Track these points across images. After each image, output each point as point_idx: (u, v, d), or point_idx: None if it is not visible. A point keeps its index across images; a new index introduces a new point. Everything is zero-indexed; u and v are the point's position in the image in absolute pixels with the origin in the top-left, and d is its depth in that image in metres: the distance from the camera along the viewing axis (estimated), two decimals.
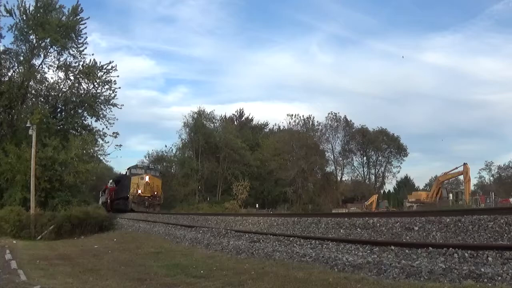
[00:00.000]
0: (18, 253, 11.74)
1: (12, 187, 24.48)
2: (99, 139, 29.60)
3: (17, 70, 28.39)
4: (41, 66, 28.58)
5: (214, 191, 52.68)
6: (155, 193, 29.90)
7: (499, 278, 4.41)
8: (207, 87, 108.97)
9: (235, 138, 53.00)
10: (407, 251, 6.11)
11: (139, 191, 28.72)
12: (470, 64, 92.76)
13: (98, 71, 28.76)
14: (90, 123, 30.23)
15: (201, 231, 12.44)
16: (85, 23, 28.47)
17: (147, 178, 29.59)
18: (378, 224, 8.27)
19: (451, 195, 44.48)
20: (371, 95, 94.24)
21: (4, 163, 24.42)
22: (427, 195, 43.94)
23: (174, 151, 55.42)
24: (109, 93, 29.54)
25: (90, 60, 28.61)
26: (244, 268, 6.75)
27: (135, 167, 33.74)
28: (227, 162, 52.30)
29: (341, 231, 8.81)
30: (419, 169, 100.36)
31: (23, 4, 26.78)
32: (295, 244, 8.18)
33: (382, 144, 60.79)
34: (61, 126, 29.48)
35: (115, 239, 15.14)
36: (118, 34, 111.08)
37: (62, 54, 28.54)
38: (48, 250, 13.32)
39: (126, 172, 33.15)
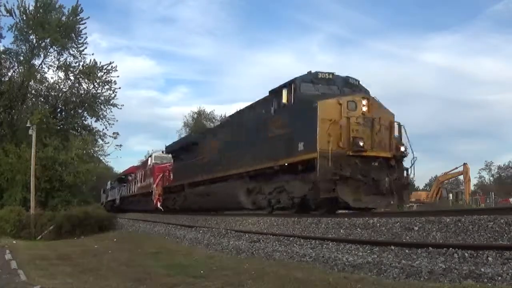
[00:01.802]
0: (18, 253, 11.73)
1: (12, 187, 24.48)
2: (99, 139, 29.60)
3: (17, 70, 28.42)
4: (41, 66, 28.61)
5: None
6: (400, 147, 10.96)
7: (499, 278, 4.41)
8: (207, 87, 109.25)
9: None
10: (407, 251, 6.11)
11: (360, 142, 10.01)
12: (470, 64, 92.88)
13: (98, 71, 28.71)
14: (90, 123, 30.25)
15: (201, 231, 12.44)
16: (85, 23, 28.46)
17: (363, 105, 10.67)
18: (378, 224, 8.26)
19: (451, 195, 44.52)
20: (371, 95, 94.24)
21: (4, 163, 24.43)
22: (427, 195, 43.94)
23: None
24: (109, 93, 29.53)
25: (90, 60, 28.60)
26: (244, 268, 6.75)
27: (313, 76, 11.61)
28: None
29: (341, 231, 8.80)
30: (419, 169, 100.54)
31: (23, 4, 26.81)
32: (295, 244, 8.17)
33: None
34: (61, 126, 29.47)
35: (115, 239, 15.14)
36: (118, 34, 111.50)
37: (62, 54, 28.54)
38: (48, 250, 13.31)
39: (290, 89, 11.59)
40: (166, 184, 20.48)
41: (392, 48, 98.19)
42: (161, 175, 21.21)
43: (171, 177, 20.37)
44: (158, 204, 21.07)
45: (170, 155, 22.27)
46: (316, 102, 10.52)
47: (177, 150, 20.47)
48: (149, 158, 24.57)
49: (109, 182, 35.77)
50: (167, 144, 23.13)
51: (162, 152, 24.33)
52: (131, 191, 26.68)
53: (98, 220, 20.85)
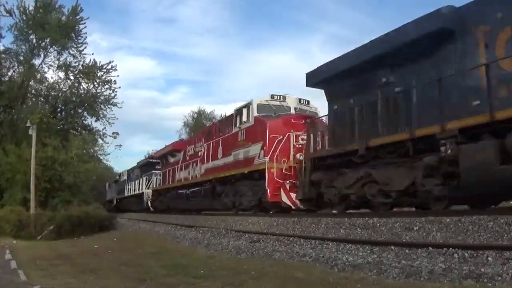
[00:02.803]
0: (18, 253, 11.74)
1: (12, 187, 24.54)
2: (99, 139, 29.68)
3: (17, 70, 28.55)
4: (41, 66, 28.75)
5: None
6: None
7: (499, 278, 4.41)
8: (207, 87, 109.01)
9: None
10: (407, 251, 6.11)
11: None
12: None
13: (98, 71, 28.83)
14: (90, 123, 30.33)
15: (201, 231, 12.44)
16: (85, 23, 28.62)
17: None
18: (378, 224, 8.26)
19: None
20: None
21: (4, 163, 24.47)
22: None
23: None
24: (109, 93, 29.60)
25: (90, 60, 28.73)
26: (244, 268, 6.74)
27: None
28: None
29: (341, 231, 8.79)
30: None
31: (23, 4, 26.89)
32: (295, 244, 8.17)
33: None
34: (61, 126, 29.57)
35: (115, 239, 15.14)
36: (118, 34, 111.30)
37: (62, 54, 28.72)
38: (48, 250, 13.32)
39: None
40: (316, 154, 10.27)
41: None
42: (283, 139, 11.56)
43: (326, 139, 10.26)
44: (284, 197, 11.49)
45: (306, 104, 12.59)
46: None
47: (351, 70, 9.55)
48: (244, 110, 13.26)
49: (124, 171, 28.92)
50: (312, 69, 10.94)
51: (273, 97, 13.24)
52: (179, 178, 16.38)
53: (98, 220, 20.88)
